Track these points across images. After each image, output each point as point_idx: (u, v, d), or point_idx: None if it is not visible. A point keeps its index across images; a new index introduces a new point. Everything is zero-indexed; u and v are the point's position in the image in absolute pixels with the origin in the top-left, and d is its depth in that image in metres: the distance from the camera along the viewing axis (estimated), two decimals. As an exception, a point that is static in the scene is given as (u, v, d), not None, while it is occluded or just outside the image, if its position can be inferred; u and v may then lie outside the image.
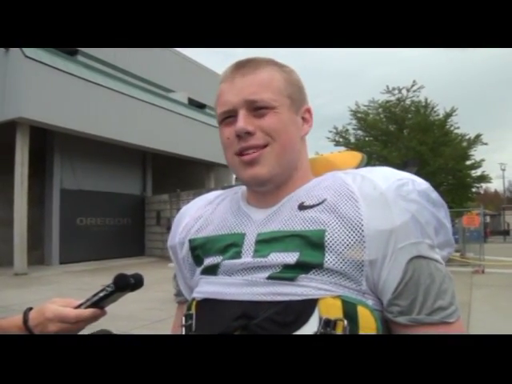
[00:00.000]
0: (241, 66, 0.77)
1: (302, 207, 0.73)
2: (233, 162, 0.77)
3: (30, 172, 11.83)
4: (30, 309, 0.79)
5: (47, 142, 13.84)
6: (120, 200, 15.93)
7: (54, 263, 13.51)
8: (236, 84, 0.75)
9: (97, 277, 10.07)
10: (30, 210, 12.00)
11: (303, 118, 0.81)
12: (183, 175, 18.36)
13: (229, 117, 0.76)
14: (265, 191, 0.78)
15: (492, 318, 4.26)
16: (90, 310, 0.77)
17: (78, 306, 0.77)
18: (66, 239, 13.81)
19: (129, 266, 12.43)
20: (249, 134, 0.73)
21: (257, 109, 0.74)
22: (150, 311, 6.28)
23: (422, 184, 0.71)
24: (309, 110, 0.82)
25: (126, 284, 0.76)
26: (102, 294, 0.77)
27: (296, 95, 0.79)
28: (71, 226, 14.16)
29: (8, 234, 12.00)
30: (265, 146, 0.74)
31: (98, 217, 15.20)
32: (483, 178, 19.78)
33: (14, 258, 11.51)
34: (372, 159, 17.93)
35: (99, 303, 0.77)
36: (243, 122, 0.73)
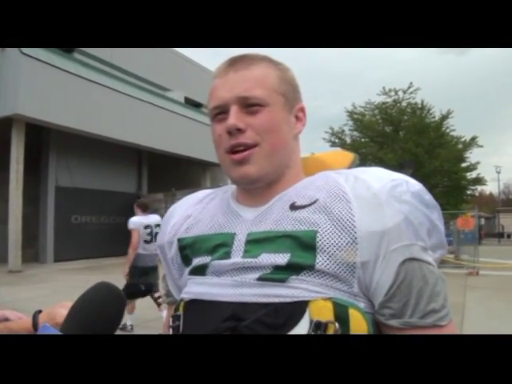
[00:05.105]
0: (235, 62, 0.76)
1: (293, 207, 0.72)
2: (223, 160, 0.76)
3: (25, 169, 11.78)
4: (40, 311, 0.78)
5: (43, 139, 13.78)
6: (115, 198, 15.83)
7: (49, 261, 13.46)
8: (229, 79, 0.74)
9: (91, 275, 10.01)
10: (25, 208, 11.95)
11: (296, 117, 0.80)
12: (179, 174, 18.31)
13: (221, 113, 0.75)
14: (255, 189, 0.77)
15: (486, 320, 4.26)
16: None
17: None
18: (60, 237, 13.76)
19: (124, 265, 12.37)
20: (239, 130, 0.72)
21: (249, 105, 0.73)
22: (142, 310, 6.27)
23: (415, 185, 0.70)
24: (302, 109, 0.81)
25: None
26: None
27: (290, 93, 0.78)
28: (66, 224, 14.09)
29: (3, 231, 11.95)
30: (254, 145, 0.73)
31: (93, 215, 15.14)
32: (478, 181, 19.94)
33: (9, 256, 11.46)
34: (368, 160, 18.01)
35: None
36: (234, 118, 0.72)
